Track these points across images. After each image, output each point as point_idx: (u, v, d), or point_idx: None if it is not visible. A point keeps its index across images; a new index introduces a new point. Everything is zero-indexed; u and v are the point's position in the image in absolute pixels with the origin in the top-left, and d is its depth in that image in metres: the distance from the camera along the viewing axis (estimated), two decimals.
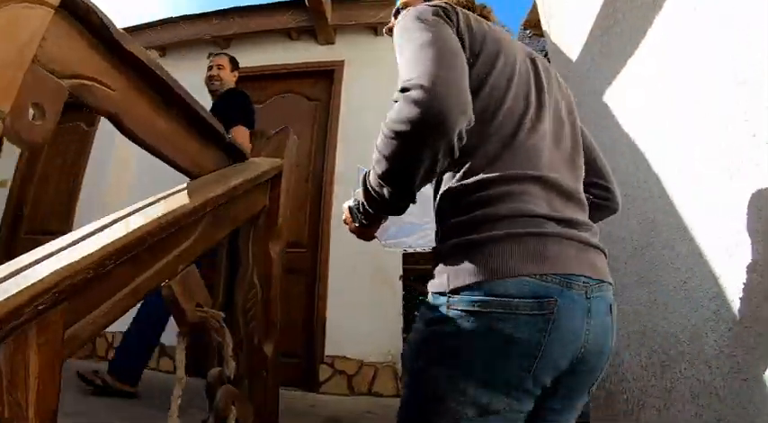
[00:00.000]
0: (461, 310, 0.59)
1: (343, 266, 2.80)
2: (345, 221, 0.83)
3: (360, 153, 3.01)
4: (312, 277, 2.86)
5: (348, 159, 3.05)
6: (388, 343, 2.59)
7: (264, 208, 1.44)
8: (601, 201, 0.89)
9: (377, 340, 2.57)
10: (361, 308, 2.68)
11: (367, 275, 2.74)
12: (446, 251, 0.64)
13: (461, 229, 0.63)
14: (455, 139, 0.56)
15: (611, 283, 0.68)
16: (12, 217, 3.60)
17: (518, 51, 0.74)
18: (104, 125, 3.61)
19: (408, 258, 3.60)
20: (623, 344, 1.41)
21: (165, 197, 1.07)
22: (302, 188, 3.06)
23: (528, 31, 4.22)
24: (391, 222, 0.86)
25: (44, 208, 3.60)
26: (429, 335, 0.63)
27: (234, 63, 2.67)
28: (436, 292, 0.64)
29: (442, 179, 0.70)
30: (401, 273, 2.76)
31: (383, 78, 3.23)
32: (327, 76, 3.37)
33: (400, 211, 0.67)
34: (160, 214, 0.96)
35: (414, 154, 0.57)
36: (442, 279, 0.63)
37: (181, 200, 1.03)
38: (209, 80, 2.56)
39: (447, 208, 0.67)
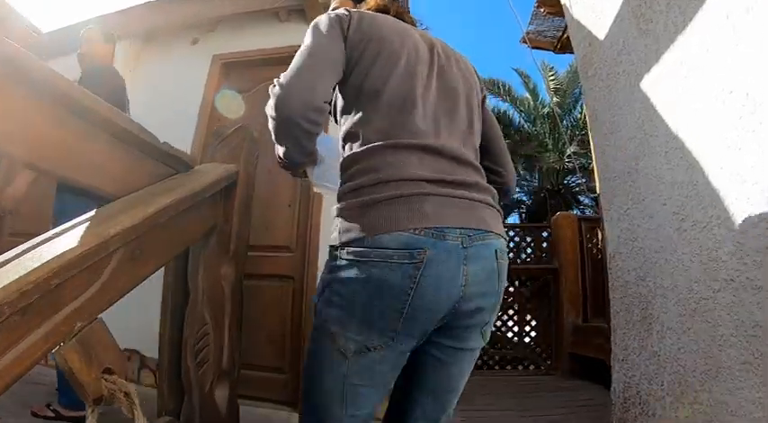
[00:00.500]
0: (348, 260, 0.70)
1: None
2: None
3: None
4: (300, 283, 2.61)
5: None
6: None
7: (215, 226, 1.18)
8: (493, 184, 0.94)
9: None
10: None
11: None
12: (339, 211, 0.74)
13: (352, 193, 0.73)
14: (303, 123, 0.73)
15: (499, 234, 0.77)
16: None
17: (413, 41, 0.85)
18: None
19: None
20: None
21: (62, 233, 0.80)
22: (290, 184, 2.80)
23: (542, 10, 3.87)
24: (331, 167, 0.92)
25: (27, 208, 3.39)
26: (328, 281, 0.74)
27: (107, 37, 2.30)
28: (332, 246, 0.75)
29: (344, 149, 0.80)
30: None
31: None
32: None
33: (297, 164, 0.86)
34: (38, 264, 0.70)
35: (279, 131, 0.76)
36: (335, 234, 0.74)
37: (74, 238, 0.76)
38: (78, 59, 2.19)
39: (344, 174, 0.77)
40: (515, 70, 12.12)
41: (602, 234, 2.03)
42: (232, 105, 3.10)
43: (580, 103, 10.50)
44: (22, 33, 3.54)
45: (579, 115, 10.70)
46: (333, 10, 0.90)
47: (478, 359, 1.19)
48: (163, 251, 1.00)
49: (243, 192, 1.18)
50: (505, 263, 0.77)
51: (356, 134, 0.77)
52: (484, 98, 0.97)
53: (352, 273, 0.68)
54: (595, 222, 4.29)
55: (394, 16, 0.91)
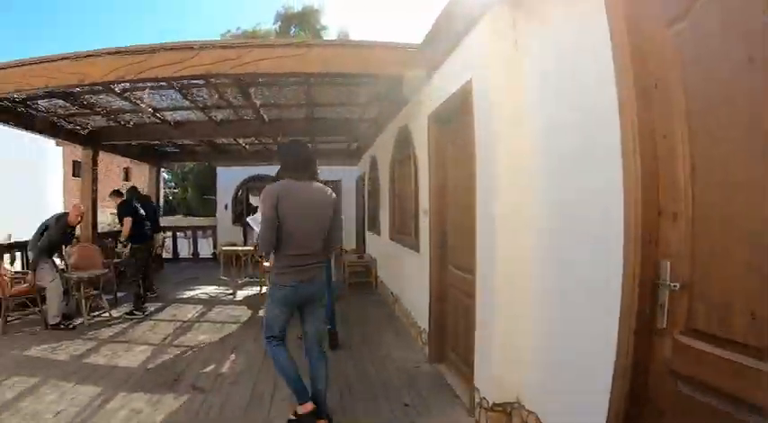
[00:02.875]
0: (276, 286, 2.66)
1: None
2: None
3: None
4: None
5: None
6: None
7: None
8: (326, 249, 2.75)
9: None
10: None
11: None
12: (272, 274, 2.75)
13: (276, 268, 2.64)
14: (269, 252, 2.65)
15: (313, 280, 2.67)
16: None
17: (302, 194, 2.58)
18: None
19: None
20: None
21: None
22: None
23: None
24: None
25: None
26: (269, 294, 2.77)
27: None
28: (271, 283, 2.84)
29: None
30: None
31: None
32: None
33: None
34: None
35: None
36: (272, 279, 2.75)
37: None
38: None
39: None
40: None
41: None
42: None
43: None
44: (399, 57, 3.68)
45: None
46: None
47: None
48: None
49: None
50: (314, 287, 2.64)
51: (277, 247, 2.51)
52: (335, 211, 2.67)
53: (278, 291, 2.59)
54: None
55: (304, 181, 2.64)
